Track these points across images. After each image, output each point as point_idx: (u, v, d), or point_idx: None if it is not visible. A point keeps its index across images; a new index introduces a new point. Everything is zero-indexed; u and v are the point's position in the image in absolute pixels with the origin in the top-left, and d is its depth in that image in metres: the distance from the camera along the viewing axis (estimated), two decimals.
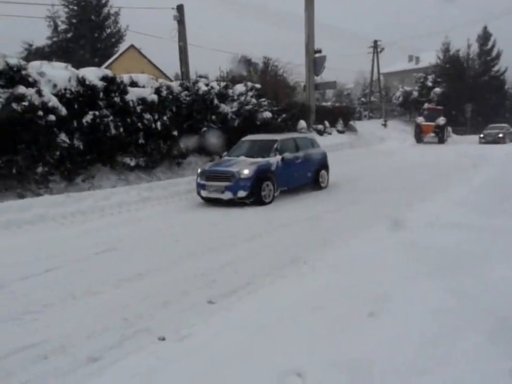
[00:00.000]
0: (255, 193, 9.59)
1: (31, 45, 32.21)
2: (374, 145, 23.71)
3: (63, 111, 10.24)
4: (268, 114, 16.32)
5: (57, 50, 33.69)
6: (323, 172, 11.87)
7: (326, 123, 24.00)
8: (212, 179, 9.83)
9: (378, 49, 41.93)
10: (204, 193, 9.93)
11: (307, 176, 11.29)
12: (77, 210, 8.94)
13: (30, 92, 9.66)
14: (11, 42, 27.53)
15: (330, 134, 23.71)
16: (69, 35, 35.87)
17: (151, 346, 3.67)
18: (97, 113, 10.91)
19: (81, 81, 10.96)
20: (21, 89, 9.54)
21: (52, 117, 9.94)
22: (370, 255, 5.48)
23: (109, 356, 3.57)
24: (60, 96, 10.43)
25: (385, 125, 33.22)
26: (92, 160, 11.19)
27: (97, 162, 11.41)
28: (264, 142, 10.98)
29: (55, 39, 35.64)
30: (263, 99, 16.77)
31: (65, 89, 10.59)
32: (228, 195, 9.56)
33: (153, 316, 4.28)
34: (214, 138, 14.00)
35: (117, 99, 11.55)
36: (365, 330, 3.61)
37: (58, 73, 10.70)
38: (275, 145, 10.53)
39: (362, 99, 45.60)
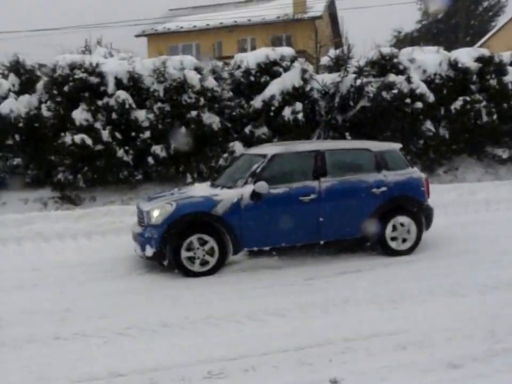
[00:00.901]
0: (166, 253, 5.91)
1: (399, 32, 34.36)
2: None
3: (431, 97, 10.55)
4: None
5: (425, 34, 34.76)
6: (402, 219, 6.47)
7: None
8: (138, 220, 6.74)
9: None
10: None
11: (346, 225, 6.36)
12: None
13: (400, 79, 10.36)
14: (381, 31, 30.11)
15: None
16: (440, 15, 36.32)
17: None
18: (468, 98, 10.71)
19: (452, 65, 11.01)
20: (391, 77, 10.36)
21: (419, 104, 10.39)
22: None
23: (471, 367, 3.48)
24: (429, 82, 10.78)
25: None
26: (457, 151, 11.10)
27: (463, 152, 11.23)
28: (249, 159, 6.89)
29: (424, 22, 36.82)
30: None
31: (434, 74, 10.88)
32: (138, 249, 6.30)
33: None
34: None
35: (492, 82, 11.02)
36: None
37: (429, 58, 11.07)
38: (254, 168, 6.28)
39: None
